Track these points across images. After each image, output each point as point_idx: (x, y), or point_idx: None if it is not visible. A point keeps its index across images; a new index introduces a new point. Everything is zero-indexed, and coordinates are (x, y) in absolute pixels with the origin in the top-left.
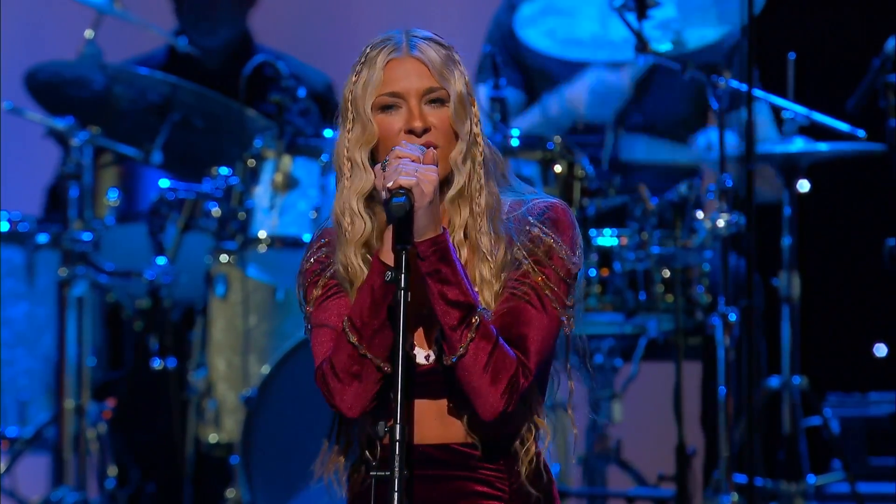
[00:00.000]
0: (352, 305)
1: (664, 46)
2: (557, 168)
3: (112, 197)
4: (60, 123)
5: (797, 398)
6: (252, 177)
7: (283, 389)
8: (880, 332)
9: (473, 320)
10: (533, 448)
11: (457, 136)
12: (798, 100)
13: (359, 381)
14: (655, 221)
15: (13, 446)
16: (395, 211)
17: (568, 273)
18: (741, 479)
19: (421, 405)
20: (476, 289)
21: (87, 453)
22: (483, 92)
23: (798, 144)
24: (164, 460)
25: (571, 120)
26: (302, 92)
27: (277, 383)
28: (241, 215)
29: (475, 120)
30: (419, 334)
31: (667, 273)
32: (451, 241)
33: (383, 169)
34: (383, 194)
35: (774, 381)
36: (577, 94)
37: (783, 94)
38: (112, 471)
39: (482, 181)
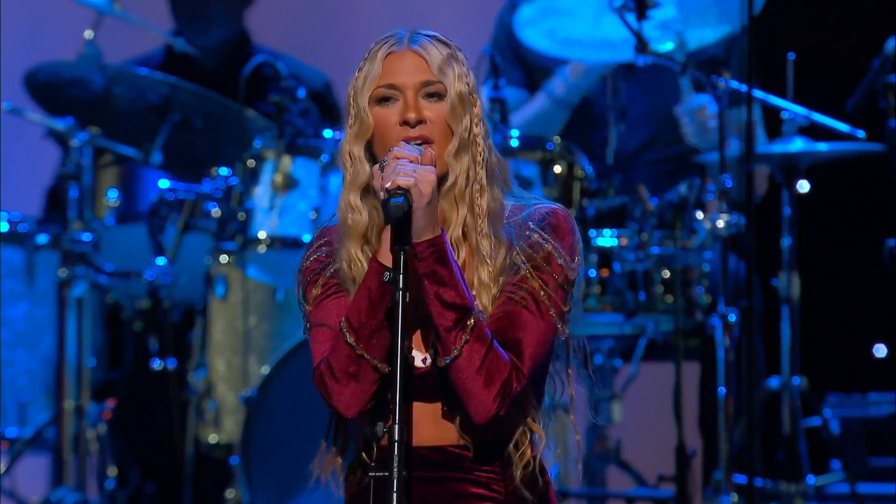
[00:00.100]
0: (349, 305)
1: (664, 47)
2: (557, 168)
3: (112, 197)
4: (60, 124)
5: (797, 399)
6: (252, 177)
7: (283, 390)
8: (880, 333)
9: (468, 323)
10: (528, 452)
11: (453, 134)
12: (798, 100)
13: (356, 381)
14: (655, 222)
15: (13, 447)
16: (394, 211)
17: (566, 279)
18: (741, 479)
19: (417, 408)
20: (473, 292)
21: (87, 454)
22: (482, 92)
23: (798, 145)
24: (164, 461)
25: (579, 95)
26: (301, 92)
27: (277, 384)
28: (241, 216)
29: (476, 121)
30: (416, 337)
31: (666, 274)
32: (448, 241)
33: (381, 169)
34: (381, 195)
35: (774, 382)
36: (576, 66)
37: (783, 95)
38: (112, 471)
39: (483, 182)
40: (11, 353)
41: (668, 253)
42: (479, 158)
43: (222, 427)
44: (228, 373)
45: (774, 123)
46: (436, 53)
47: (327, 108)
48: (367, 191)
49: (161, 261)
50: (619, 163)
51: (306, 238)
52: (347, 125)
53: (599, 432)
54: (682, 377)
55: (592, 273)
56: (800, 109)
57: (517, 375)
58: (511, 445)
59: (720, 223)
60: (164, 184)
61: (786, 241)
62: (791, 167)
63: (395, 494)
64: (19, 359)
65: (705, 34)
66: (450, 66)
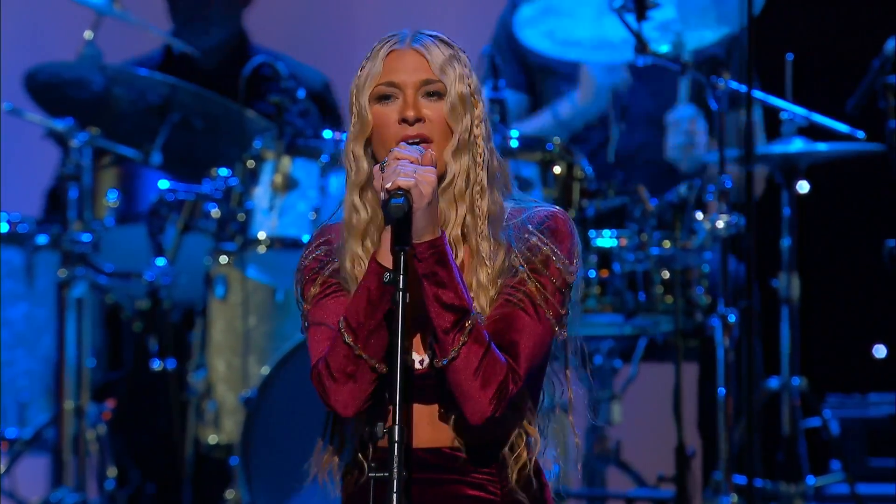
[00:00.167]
0: (348, 305)
1: (664, 47)
2: (557, 169)
3: (111, 198)
4: (60, 124)
5: (797, 399)
6: (251, 178)
7: (283, 391)
8: (880, 333)
9: (467, 324)
10: (524, 455)
11: (452, 133)
12: (797, 100)
13: (353, 381)
14: (655, 222)
15: (13, 447)
16: (394, 212)
17: (564, 283)
18: (741, 480)
19: (414, 409)
20: (472, 293)
21: (87, 454)
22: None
23: (797, 145)
24: (164, 461)
25: (584, 121)
26: (301, 93)
27: (277, 384)
28: (241, 216)
29: (477, 122)
30: (415, 339)
31: (666, 274)
32: (448, 242)
33: (382, 170)
34: (382, 195)
35: (774, 383)
36: (585, 90)
37: (782, 95)
38: (111, 472)
39: (484, 184)
40: (11, 354)
41: (668, 253)
42: (480, 160)
43: (222, 427)
44: (228, 373)
45: (774, 124)
46: (437, 53)
47: (327, 109)
48: (368, 190)
49: (161, 261)
50: (618, 163)
51: (306, 238)
52: (350, 124)
53: (599, 433)
54: (681, 378)
55: (592, 273)
56: (799, 110)
57: (513, 378)
58: (506, 448)
59: (720, 224)
60: (163, 184)
61: (785, 242)
62: (791, 168)
63: (395, 495)
64: (19, 359)
65: (705, 35)
66: (451, 66)
